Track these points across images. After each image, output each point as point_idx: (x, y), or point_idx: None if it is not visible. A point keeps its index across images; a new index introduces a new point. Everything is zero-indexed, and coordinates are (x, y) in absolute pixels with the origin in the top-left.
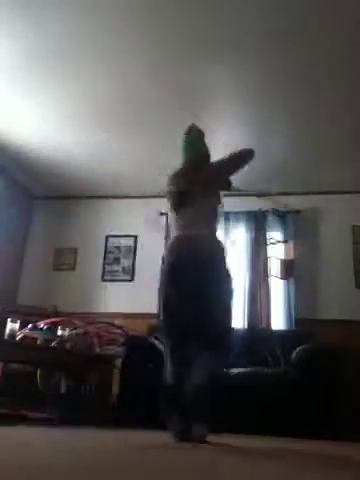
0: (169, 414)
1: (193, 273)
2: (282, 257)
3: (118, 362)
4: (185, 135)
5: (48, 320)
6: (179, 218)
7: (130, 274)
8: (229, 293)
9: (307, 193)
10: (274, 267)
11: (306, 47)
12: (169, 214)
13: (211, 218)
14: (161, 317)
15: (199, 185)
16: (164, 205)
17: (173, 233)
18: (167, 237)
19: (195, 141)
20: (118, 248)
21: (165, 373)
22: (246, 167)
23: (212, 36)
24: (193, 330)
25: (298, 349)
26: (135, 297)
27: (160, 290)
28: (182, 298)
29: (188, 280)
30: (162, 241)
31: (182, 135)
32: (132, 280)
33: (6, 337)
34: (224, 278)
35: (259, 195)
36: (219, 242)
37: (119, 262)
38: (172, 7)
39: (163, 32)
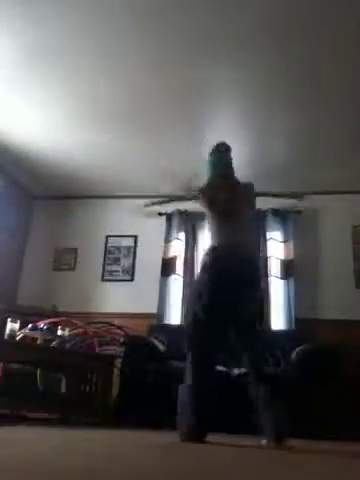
0: (183, 415)
1: (237, 281)
2: (282, 257)
3: (118, 362)
4: (216, 151)
5: (48, 320)
6: (225, 227)
7: (130, 274)
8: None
9: (307, 193)
10: (274, 267)
11: (309, 46)
12: (211, 222)
13: (251, 229)
14: (190, 320)
15: (242, 198)
16: (164, 206)
17: (216, 240)
18: (168, 239)
19: (227, 157)
20: (118, 248)
21: (186, 376)
22: None
23: (215, 35)
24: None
25: (298, 349)
26: (135, 297)
27: (195, 295)
28: (222, 305)
29: (231, 289)
30: (162, 241)
31: (212, 151)
32: (132, 280)
33: (6, 337)
34: (260, 285)
35: None
36: (254, 251)
37: (119, 262)
38: (174, 6)
39: (165, 31)
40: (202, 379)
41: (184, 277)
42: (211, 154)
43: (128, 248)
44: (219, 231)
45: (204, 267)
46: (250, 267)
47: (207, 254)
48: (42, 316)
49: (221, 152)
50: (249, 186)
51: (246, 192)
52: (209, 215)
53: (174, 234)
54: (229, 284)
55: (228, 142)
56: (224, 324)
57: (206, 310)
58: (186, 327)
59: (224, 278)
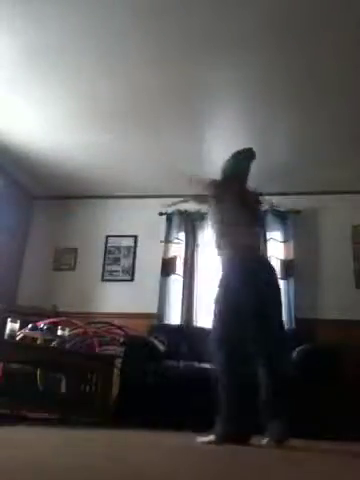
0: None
1: (260, 285)
2: (282, 257)
3: (118, 362)
4: (232, 158)
5: (48, 320)
6: (244, 231)
7: (130, 274)
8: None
9: (307, 193)
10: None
11: (309, 45)
12: (220, 222)
13: (259, 232)
14: (217, 325)
15: (251, 200)
16: (164, 206)
17: (228, 241)
18: (168, 239)
19: (243, 165)
20: (118, 248)
21: (222, 377)
22: None
23: (216, 33)
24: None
25: (298, 349)
26: (135, 297)
27: (221, 300)
28: (245, 308)
29: (254, 292)
30: (162, 241)
31: (230, 157)
32: (132, 280)
33: (6, 337)
34: (277, 283)
35: None
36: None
37: (119, 262)
38: (176, 4)
39: (166, 29)
40: (233, 379)
41: (184, 277)
42: (227, 160)
43: (128, 248)
44: (230, 231)
45: (225, 268)
46: (266, 267)
47: (222, 255)
48: (42, 316)
49: (238, 160)
50: (257, 194)
51: (254, 198)
52: (218, 212)
53: (174, 234)
54: (249, 284)
55: (228, 140)
56: (245, 324)
57: (229, 310)
58: (213, 328)
59: (243, 278)
